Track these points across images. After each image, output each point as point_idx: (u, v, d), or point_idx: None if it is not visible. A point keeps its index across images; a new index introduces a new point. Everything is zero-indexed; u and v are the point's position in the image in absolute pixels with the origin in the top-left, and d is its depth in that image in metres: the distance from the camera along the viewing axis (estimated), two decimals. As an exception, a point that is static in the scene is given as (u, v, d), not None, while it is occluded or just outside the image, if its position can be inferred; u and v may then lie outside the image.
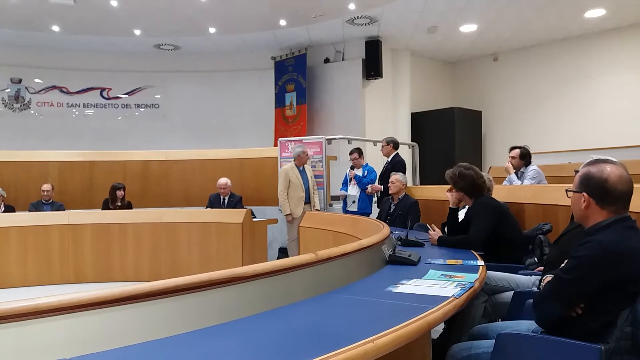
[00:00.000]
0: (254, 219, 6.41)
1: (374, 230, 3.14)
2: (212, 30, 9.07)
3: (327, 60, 9.70)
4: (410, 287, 2.11)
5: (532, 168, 4.99)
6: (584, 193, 1.82)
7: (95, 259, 6.27)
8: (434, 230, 3.56)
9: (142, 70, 10.35)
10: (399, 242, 3.17)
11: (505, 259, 3.26)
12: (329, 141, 7.14)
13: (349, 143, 7.11)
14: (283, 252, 7.18)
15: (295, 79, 9.76)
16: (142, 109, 10.43)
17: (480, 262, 2.70)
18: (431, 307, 1.77)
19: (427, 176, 8.47)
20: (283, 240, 7.25)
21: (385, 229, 2.93)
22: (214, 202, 7.10)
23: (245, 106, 10.29)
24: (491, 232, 3.31)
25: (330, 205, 6.61)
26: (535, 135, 8.99)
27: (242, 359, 1.34)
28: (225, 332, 1.53)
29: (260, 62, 10.13)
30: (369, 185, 6.16)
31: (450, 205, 3.70)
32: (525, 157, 5.03)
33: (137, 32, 9.14)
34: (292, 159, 6.50)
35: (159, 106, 10.44)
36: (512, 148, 5.14)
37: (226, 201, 7.07)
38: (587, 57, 8.84)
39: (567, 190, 1.96)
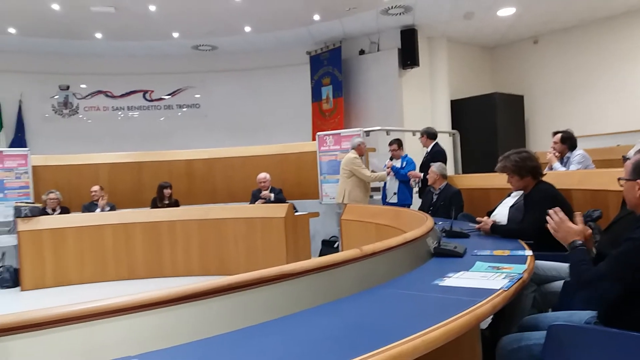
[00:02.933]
0: (296, 213, 6.48)
1: (417, 222, 3.13)
2: (247, 29, 9.18)
3: (362, 52, 9.65)
4: (457, 280, 2.10)
5: (578, 152, 4.82)
6: (638, 180, 1.78)
7: (146, 256, 6.52)
8: (481, 222, 3.47)
9: (182, 72, 10.60)
10: (444, 234, 3.14)
11: (555, 247, 3.19)
12: (367, 133, 7.12)
13: (387, 134, 7.07)
14: (325, 245, 7.24)
15: (330, 72, 9.77)
16: (183, 110, 10.70)
17: (529, 252, 2.66)
18: (479, 300, 1.76)
19: (470, 164, 8.32)
20: (325, 232, 7.31)
21: (429, 221, 2.91)
22: (257, 196, 7.23)
23: (283, 102, 10.38)
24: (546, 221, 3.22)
25: (371, 197, 6.60)
26: (580, 118, 8.68)
27: (296, 355, 1.37)
28: (277, 328, 1.58)
29: (295, 58, 10.19)
30: (409, 172, 6.10)
31: (514, 190, 3.61)
32: (567, 141, 4.87)
33: (176, 35, 9.36)
34: (350, 149, 6.42)
35: (200, 106, 10.68)
36: (555, 133, 4.99)
37: (268, 195, 7.18)
38: (632, 35, 8.45)
39: (619, 179, 1.91)
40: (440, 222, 3.60)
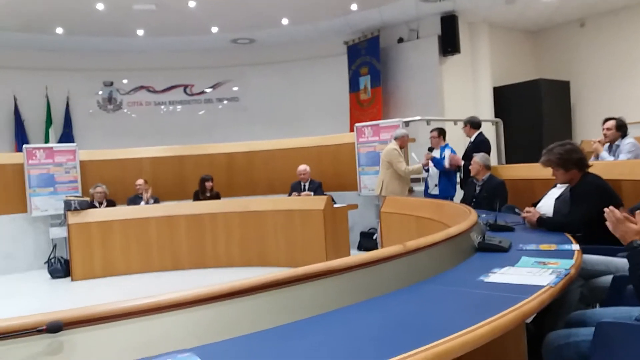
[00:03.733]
0: (335, 205, 6.51)
1: (460, 215, 3.10)
2: (285, 21, 9.22)
3: (400, 40, 9.53)
4: (502, 276, 2.08)
5: (629, 141, 4.64)
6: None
7: (189, 247, 6.71)
8: (528, 212, 3.39)
9: (221, 66, 10.75)
10: (488, 227, 3.10)
11: (603, 241, 3.09)
12: (407, 123, 7.05)
13: (427, 124, 6.98)
14: (364, 237, 7.25)
15: (368, 62, 9.70)
16: (223, 103, 10.87)
17: (576, 247, 2.60)
18: (526, 296, 1.74)
19: (513, 154, 8.11)
20: (364, 224, 7.31)
21: (472, 215, 2.88)
22: (296, 188, 7.30)
23: (321, 93, 10.40)
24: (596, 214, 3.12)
25: (411, 189, 6.54)
26: (630, 105, 8.32)
27: (341, 351, 1.40)
28: (321, 324, 1.61)
29: (332, 48, 10.17)
30: (450, 155, 5.97)
31: (560, 183, 3.51)
32: (621, 129, 4.69)
33: (214, 29, 9.50)
34: (392, 140, 6.34)
35: (239, 99, 10.82)
36: (606, 119, 4.80)
37: (307, 187, 7.24)
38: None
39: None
40: (483, 215, 3.55)
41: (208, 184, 7.44)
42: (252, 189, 8.08)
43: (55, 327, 1.35)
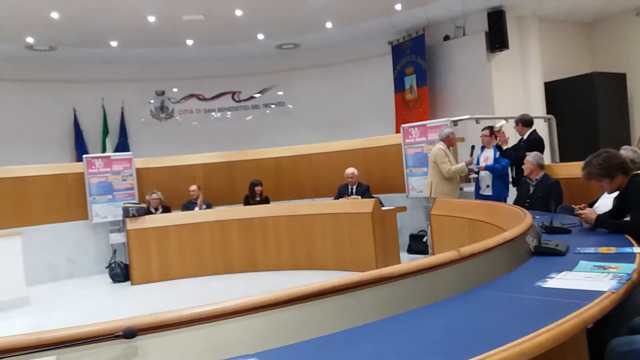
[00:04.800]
0: (383, 208, 6.50)
1: (514, 218, 3.05)
2: (328, 24, 9.29)
3: (446, 38, 9.40)
4: (560, 281, 2.04)
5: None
6: None
7: (241, 251, 6.88)
8: (583, 210, 3.29)
9: (267, 71, 10.94)
10: (543, 230, 3.03)
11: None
12: (455, 123, 6.95)
13: (477, 123, 6.86)
14: (413, 239, 7.19)
15: (414, 61, 9.62)
16: (270, 108, 11.06)
17: (637, 249, 2.51)
18: (586, 303, 1.72)
19: (568, 151, 7.83)
20: (413, 227, 7.26)
21: (527, 218, 2.82)
22: (343, 192, 7.34)
23: (365, 95, 10.39)
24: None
25: (461, 189, 6.45)
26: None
27: (401, 357, 1.43)
28: (381, 330, 1.64)
29: (376, 49, 10.15)
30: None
31: (608, 193, 3.38)
32: None
33: (260, 36, 9.68)
34: (439, 140, 6.30)
35: (285, 104, 10.98)
36: None
37: (354, 190, 7.27)
38: None
39: None
40: (537, 216, 3.47)
41: (257, 189, 7.60)
42: (299, 193, 8.19)
43: (130, 333, 1.45)
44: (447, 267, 1.97)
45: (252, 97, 11.11)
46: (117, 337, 1.45)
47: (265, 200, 7.64)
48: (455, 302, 1.88)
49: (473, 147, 6.09)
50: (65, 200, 7.64)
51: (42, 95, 10.08)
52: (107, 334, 1.44)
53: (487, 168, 5.84)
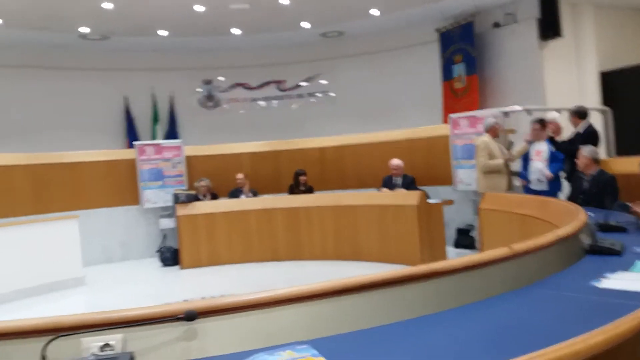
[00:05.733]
0: (429, 201, 6.44)
1: (567, 214, 2.97)
2: (374, 11, 9.20)
3: (496, 25, 9.13)
4: (615, 281, 1.99)
5: None
6: None
7: (286, 239, 6.99)
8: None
9: (312, 60, 10.96)
10: (598, 228, 2.94)
11: None
12: (506, 114, 6.77)
13: (528, 114, 6.66)
14: (461, 233, 7.09)
15: (462, 49, 9.40)
16: (315, 97, 11.09)
17: (700, 250, 2.40)
18: (643, 304, 1.67)
19: (625, 146, 7.48)
20: (460, 220, 7.15)
21: (581, 214, 2.75)
22: (387, 183, 7.30)
23: (411, 83, 10.25)
24: None
25: (511, 183, 6.28)
26: None
27: (452, 352, 1.44)
28: (429, 324, 1.66)
29: (423, 37, 9.98)
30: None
31: None
32: None
33: (305, 24, 9.70)
34: (484, 131, 6.17)
35: (330, 92, 10.98)
36: None
37: (399, 182, 7.22)
38: None
39: None
40: (592, 214, 3.36)
41: (302, 178, 7.68)
42: (343, 183, 8.21)
43: (191, 316, 1.53)
44: (499, 264, 1.95)
45: (296, 86, 11.17)
46: (179, 319, 1.53)
47: (310, 190, 7.71)
48: (507, 299, 1.87)
49: (511, 143, 5.89)
50: (118, 186, 7.95)
51: (95, 83, 10.48)
52: (170, 315, 1.53)
53: (553, 173, 5.44)
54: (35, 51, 9.75)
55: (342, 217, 6.78)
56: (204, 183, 7.71)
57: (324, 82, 11.06)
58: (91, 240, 7.19)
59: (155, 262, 7.41)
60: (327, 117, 10.68)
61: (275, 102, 11.21)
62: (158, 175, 8.09)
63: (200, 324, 1.56)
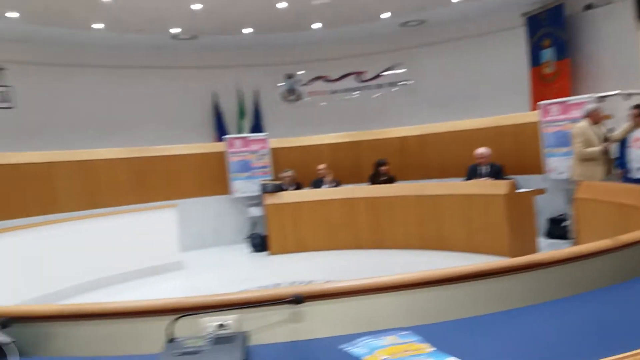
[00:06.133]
0: (518, 190, 6.23)
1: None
2: (456, -2, 8.97)
3: (588, 7, 8.55)
4: None
5: None
6: None
7: (369, 228, 7.08)
8: None
9: (391, 50, 10.89)
10: None
11: None
12: (602, 98, 6.38)
13: (625, 99, 6.23)
14: (553, 224, 6.79)
15: (551, 33, 8.92)
16: (395, 87, 11.03)
17: None
18: None
19: None
20: (551, 210, 6.85)
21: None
22: (473, 172, 7.14)
23: (496, 70, 9.89)
24: None
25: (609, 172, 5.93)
26: None
27: (554, 343, 1.45)
28: (533, 314, 1.67)
29: (508, 22, 9.57)
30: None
31: None
32: None
33: (385, 15, 9.65)
34: (584, 117, 5.89)
35: (410, 82, 10.86)
36: None
37: (485, 171, 7.04)
38: None
39: None
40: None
41: (383, 168, 7.71)
42: (426, 173, 8.14)
43: (298, 299, 1.66)
44: (601, 256, 1.91)
45: (376, 77, 11.15)
46: (288, 302, 1.66)
47: (391, 180, 7.72)
48: (611, 292, 1.83)
49: (610, 130, 5.53)
50: (210, 177, 8.43)
51: (187, 81, 11.10)
52: (279, 298, 1.66)
53: None
54: (133, 52, 10.51)
55: (425, 207, 6.75)
56: (288, 173, 7.97)
57: (404, 71, 10.95)
58: (188, 227, 7.66)
59: (245, 248, 7.81)
60: (407, 106, 10.60)
61: (355, 93, 11.28)
62: (246, 167, 8.47)
63: (307, 307, 1.68)
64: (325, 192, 7.51)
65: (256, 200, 8.10)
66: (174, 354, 1.47)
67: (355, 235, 7.14)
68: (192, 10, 8.73)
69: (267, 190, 7.52)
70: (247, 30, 10.23)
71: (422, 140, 8.33)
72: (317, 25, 10.11)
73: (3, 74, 9.27)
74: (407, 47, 10.77)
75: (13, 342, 1.58)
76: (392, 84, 11.04)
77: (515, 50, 9.52)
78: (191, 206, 7.99)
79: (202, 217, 8.20)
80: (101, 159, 7.47)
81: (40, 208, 6.52)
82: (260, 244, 7.58)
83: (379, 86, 11.12)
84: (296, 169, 8.17)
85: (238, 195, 8.35)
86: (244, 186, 8.36)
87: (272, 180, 7.98)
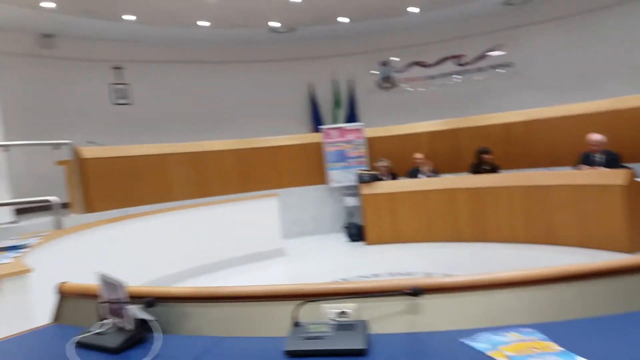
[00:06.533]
0: (638, 179, 5.71)
1: None
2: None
3: None
4: None
5: None
6: None
7: (470, 220, 6.87)
8: None
9: (492, 31, 10.42)
10: None
11: None
12: None
13: None
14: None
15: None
16: (496, 70, 10.54)
17: None
18: None
19: None
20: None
21: None
22: (586, 160, 6.65)
23: (610, 48, 9.11)
24: None
25: None
26: None
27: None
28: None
29: (628, -7, 8.75)
30: None
31: None
32: None
33: (488, -7, 9.25)
34: None
35: (514, 64, 10.32)
36: None
37: (599, 160, 6.52)
38: None
39: None
40: None
41: (486, 157, 7.41)
42: (533, 161, 7.69)
43: (417, 292, 1.67)
44: None
45: (477, 59, 10.73)
46: (406, 294, 1.68)
47: (494, 169, 7.41)
48: None
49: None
50: (308, 167, 8.63)
51: (283, 73, 11.44)
52: (398, 289, 1.69)
53: None
54: (234, 47, 11.02)
55: (533, 198, 6.40)
56: (384, 163, 7.94)
57: (506, 53, 10.42)
58: (288, 215, 7.93)
59: (342, 237, 7.93)
60: (511, 90, 10.09)
61: (454, 78, 10.93)
62: (342, 157, 8.56)
63: (425, 300, 1.69)
64: (423, 183, 7.40)
65: (352, 190, 8.17)
66: (300, 337, 1.56)
67: (454, 227, 6.96)
68: (290, 2, 8.96)
69: (363, 180, 7.56)
70: (342, 19, 10.29)
71: (528, 126, 7.87)
72: (413, 9, 9.92)
73: (122, 72, 10.17)
74: (509, 27, 10.25)
75: (156, 320, 1.76)
76: (494, 67, 10.56)
77: (632, 24, 8.68)
78: (291, 195, 8.25)
79: (301, 206, 8.44)
80: (209, 151, 7.93)
81: (156, 197, 7.09)
82: (357, 233, 7.66)
83: (480, 70, 10.70)
84: (391, 159, 8.12)
85: (335, 185, 8.48)
86: (340, 176, 8.47)
87: (368, 170, 7.99)
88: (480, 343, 1.50)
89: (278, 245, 7.11)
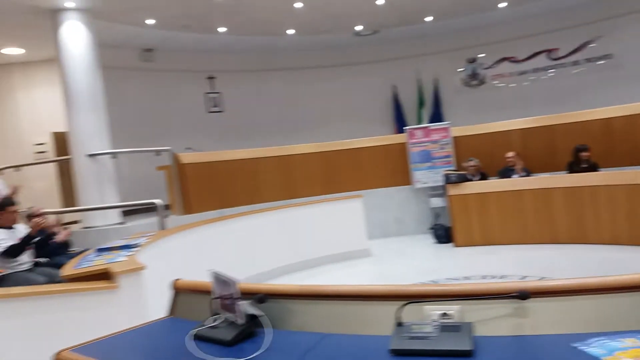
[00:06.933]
0: None
1: None
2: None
3: None
4: None
5: None
6: None
7: (567, 220, 6.52)
8: None
9: (588, 22, 9.79)
10: None
11: None
12: None
13: None
14: None
15: None
16: (593, 64, 9.89)
17: None
18: None
19: None
20: None
21: None
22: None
23: None
24: None
25: None
26: None
27: None
28: None
29: None
30: None
31: None
32: None
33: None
34: None
35: (613, 56, 9.63)
36: None
37: None
38: None
39: None
40: None
41: (583, 154, 7.00)
42: (636, 158, 7.14)
43: (524, 295, 1.65)
44: None
45: (571, 53, 10.14)
46: (512, 297, 1.66)
47: (593, 167, 6.97)
48: None
49: None
50: (391, 168, 8.59)
51: (367, 75, 11.47)
52: (503, 292, 1.67)
53: None
54: (319, 53, 11.23)
55: (637, 198, 5.94)
56: (472, 163, 7.72)
57: (605, 45, 9.73)
58: (372, 216, 7.95)
59: (428, 238, 7.82)
60: (610, 84, 9.42)
61: (546, 73, 10.40)
62: (427, 157, 8.44)
63: (532, 303, 1.66)
64: (515, 182, 7.11)
65: (438, 191, 8.03)
66: (404, 337, 1.60)
67: (550, 228, 6.63)
68: (376, 5, 8.96)
69: (451, 180, 7.41)
70: (427, 19, 10.14)
71: (631, 121, 7.32)
72: (503, 4, 9.56)
73: (214, 82, 10.73)
74: (606, 18, 9.59)
75: (265, 315, 1.88)
76: (590, 60, 9.91)
77: None
78: (375, 197, 8.26)
79: (386, 207, 8.43)
80: (296, 154, 8.17)
81: (247, 198, 7.43)
82: (444, 235, 7.52)
83: (575, 63, 10.08)
84: (480, 158, 7.88)
85: (419, 185, 8.38)
86: (425, 176, 8.35)
87: (455, 170, 7.82)
88: (594, 348, 1.46)
89: (364, 246, 7.16)
